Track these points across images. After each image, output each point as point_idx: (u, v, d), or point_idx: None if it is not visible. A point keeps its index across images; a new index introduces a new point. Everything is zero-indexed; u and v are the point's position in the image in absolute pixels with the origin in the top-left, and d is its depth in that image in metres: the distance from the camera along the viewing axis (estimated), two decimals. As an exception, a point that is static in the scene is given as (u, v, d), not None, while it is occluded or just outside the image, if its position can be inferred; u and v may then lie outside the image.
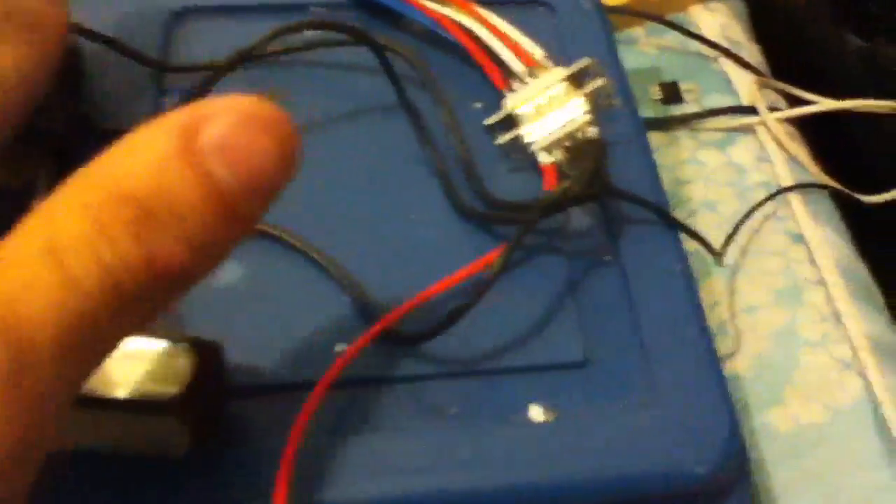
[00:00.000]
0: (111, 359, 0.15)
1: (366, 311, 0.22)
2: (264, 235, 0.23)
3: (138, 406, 0.17)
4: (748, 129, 0.35)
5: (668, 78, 0.36)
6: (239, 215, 0.14)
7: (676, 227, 0.24)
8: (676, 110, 0.35)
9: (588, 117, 0.24)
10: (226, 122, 0.13)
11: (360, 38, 0.25)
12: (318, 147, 0.25)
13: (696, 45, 0.37)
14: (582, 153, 0.24)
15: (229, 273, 0.22)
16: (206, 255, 0.14)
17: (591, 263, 0.24)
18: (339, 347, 0.21)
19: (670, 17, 0.38)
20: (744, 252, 0.31)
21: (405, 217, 0.24)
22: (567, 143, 0.24)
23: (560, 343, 0.22)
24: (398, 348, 0.21)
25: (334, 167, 0.25)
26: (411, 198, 0.24)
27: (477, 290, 0.20)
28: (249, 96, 0.14)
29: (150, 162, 0.13)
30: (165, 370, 0.17)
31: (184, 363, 0.18)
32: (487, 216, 0.24)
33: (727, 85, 0.36)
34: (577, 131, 0.24)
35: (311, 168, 0.24)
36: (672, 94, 0.35)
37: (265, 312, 0.22)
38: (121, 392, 0.17)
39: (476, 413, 0.21)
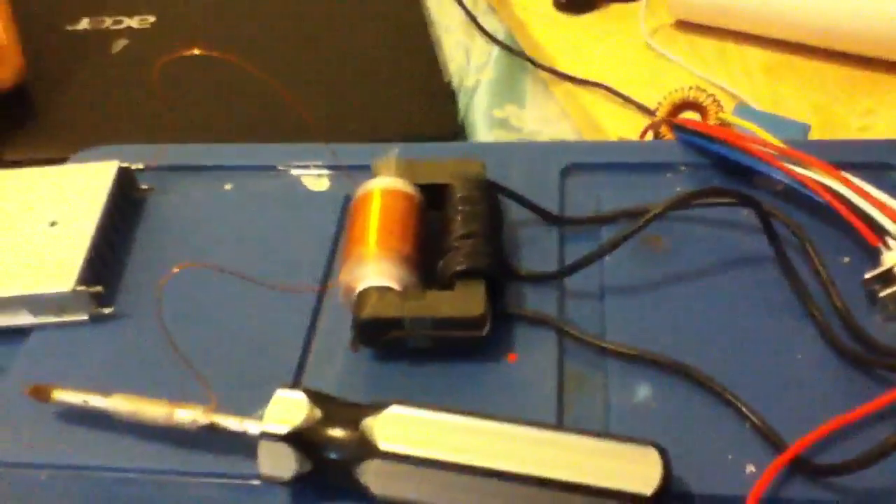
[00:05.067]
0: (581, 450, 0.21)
1: (768, 437, 0.25)
2: (675, 368, 0.27)
3: (613, 494, 0.21)
4: None
5: None
6: None
7: None
8: None
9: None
10: None
11: (747, 202, 0.29)
12: (702, 293, 0.29)
13: None
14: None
15: (642, 392, 0.27)
16: None
17: None
18: (750, 469, 0.24)
19: None
20: None
21: (791, 356, 0.27)
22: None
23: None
24: (805, 475, 0.24)
25: (718, 311, 0.29)
26: (793, 340, 0.28)
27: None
28: None
29: None
30: (636, 465, 0.22)
31: (654, 460, 0.22)
32: (872, 360, 0.26)
33: None
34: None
35: (702, 309, 0.29)
36: None
37: (672, 432, 0.26)
38: (594, 480, 0.21)
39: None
